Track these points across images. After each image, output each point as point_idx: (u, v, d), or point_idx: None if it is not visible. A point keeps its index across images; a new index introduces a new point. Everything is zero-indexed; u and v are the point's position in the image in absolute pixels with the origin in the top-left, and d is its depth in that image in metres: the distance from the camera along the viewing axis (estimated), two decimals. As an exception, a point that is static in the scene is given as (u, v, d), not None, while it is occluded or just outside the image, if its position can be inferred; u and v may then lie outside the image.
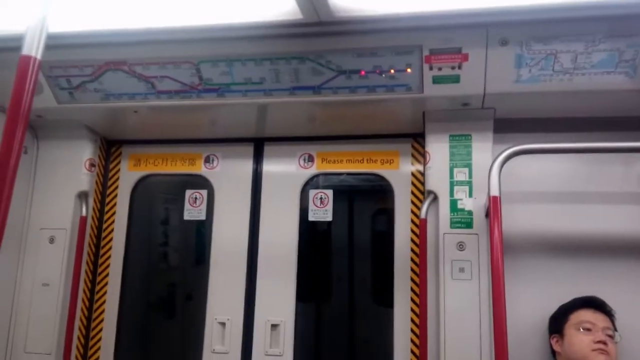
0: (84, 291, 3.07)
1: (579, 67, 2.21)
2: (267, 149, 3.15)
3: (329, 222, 3.10)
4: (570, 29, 2.11)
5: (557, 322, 2.35)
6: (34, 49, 1.39)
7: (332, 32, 2.25)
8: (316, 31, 2.25)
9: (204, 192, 3.16)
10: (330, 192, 3.02)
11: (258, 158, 3.14)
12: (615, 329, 2.25)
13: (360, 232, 3.22)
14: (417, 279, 2.74)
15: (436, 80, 2.37)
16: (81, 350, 3.04)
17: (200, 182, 3.19)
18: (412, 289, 2.78)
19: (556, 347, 2.33)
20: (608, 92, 2.30)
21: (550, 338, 2.38)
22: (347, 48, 2.32)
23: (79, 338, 3.02)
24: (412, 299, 2.77)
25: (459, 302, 2.50)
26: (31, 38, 1.39)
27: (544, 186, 2.63)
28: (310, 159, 3.07)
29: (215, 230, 3.09)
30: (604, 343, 2.16)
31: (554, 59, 2.20)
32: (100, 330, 3.09)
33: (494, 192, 2.11)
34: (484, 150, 2.59)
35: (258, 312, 2.94)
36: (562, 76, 2.25)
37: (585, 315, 2.26)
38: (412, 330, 2.74)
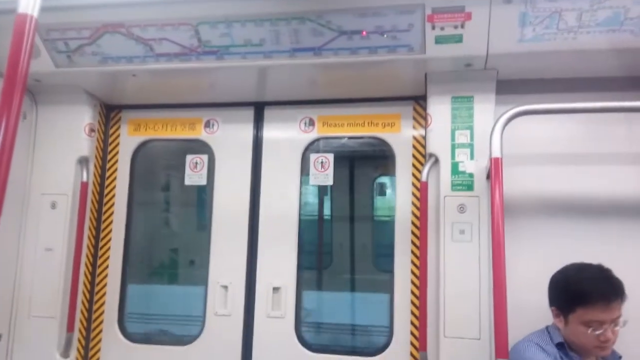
0: (87, 256, 3.09)
1: (583, 25, 2.17)
2: (268, 113, 3.12)
3: (330, 186, 3.10)
4: (575, -15, 2.07)
5: (561, 304, 2.15)
6: (30, 6, 1.36)
7: (333, -10, 2.22)
8: (317, -10, 2.22)
9: (205, 157, 3.15)
10: (331, 156, 3.01)
11: (258, 122, 3.12)
12: None
13: (361, 196, 3.22)
14: (417, 242, 2.75)
15: (438, 40, 2.33)
16: (85, 314, 3.08)
17: (201, 147, 3.17)
18: (412, 252, 2.79)
19: (556, 322, 2.18)
20: (613, 50, 2.26)
21: (550, 306, 2.22)
22: (348, 7, 2.27)
23: (82, 302, 3.06)
24: (412, 262, 2.78)
25: (458, 263, 2.51)
26: (27, -4, 1.36)
27: (546, 148, 2.62)
28: (311, 122, 3.05)
29: (216, 195, 3.09)
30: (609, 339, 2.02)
31: (558, 17, 2.16)
32: (104, 294, 3.12)
33: (496, 153, 2.10)
34: (486, 112, 2.57)
35: (260, 276, 2.96)
36: (566, 35, 2.22)
37: (595, 314, 2.00)
38: (412, 292, 2.76)
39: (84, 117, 3.06)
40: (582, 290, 2.05)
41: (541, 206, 2.58)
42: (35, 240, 2.97)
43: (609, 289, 2.03)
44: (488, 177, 2.44)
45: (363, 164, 3.28)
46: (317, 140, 3.06)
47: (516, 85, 2.59)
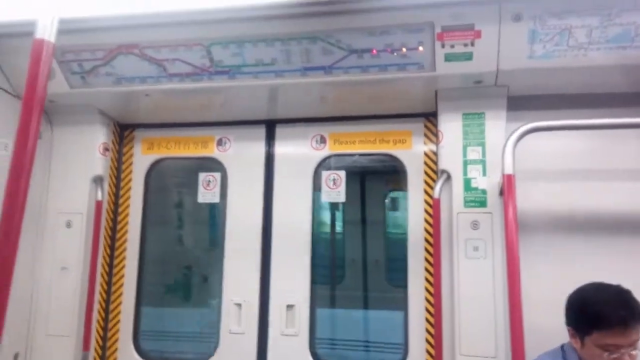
0: (102, 274, 3.12)
1: (594, 42, 2.17)
2: (279, 130, 3.15)
3: (342, 203, 3.11)
4: (585, 3, 2.07)
5: (578, 325, 2.06)
6: (47, 32, 1.40)
7: (343, 10, 2.24)
8: (327, 10, 2.24)
9: (218, 175, 3.18)
10: (342, 173, 3.02)
11: (270, 140, 3.15)
12: None
13: (373, 213, 3.22)
14: (430, 259, 2.74)
15: (448, 57, 2.35)
16: (101, 332, 3.09)
17: (214, 165, 3.20)
18: (426, 269, 2.78)
19: (572, 342, 2.10)
20: (623, 67, 2.26)
21: (566, 326, 2.14)
22: (358, 27, 2.30)
23: (98, 320, 3.08)
24: (426, 279, 2.77)
25: (473, 280, 2.50)
26: (44, 21, 1.40)
27: (558, 164, 2.60)
28: (323, 140, 3.07)
29: (229, 213, 3.10)
30: None
31: (568, 34, 2.16)
32: (119, 312, 3.14)
33: (508, 170, 2.09)
34: (497, 128, 2.57)
35: (273, 293, 2.96)
36: (576, 51, 2.22)
37: (612, 339, 1.93)
38: (426, 310, 2.75)
39: (98, 136, 3.10)
40: (599, 314, 1.97)
41: (555, 222, 2.56)
42: (51, 259, 3.00)
43: (628, 314, 1.93)
44: (501, 193, 2.43)
45: (375, 180, 3.28)
46: (329, 157, 3.08)
47: (527, 101, 2.59)
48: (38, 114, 1.39)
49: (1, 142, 2.71)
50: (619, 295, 2.02)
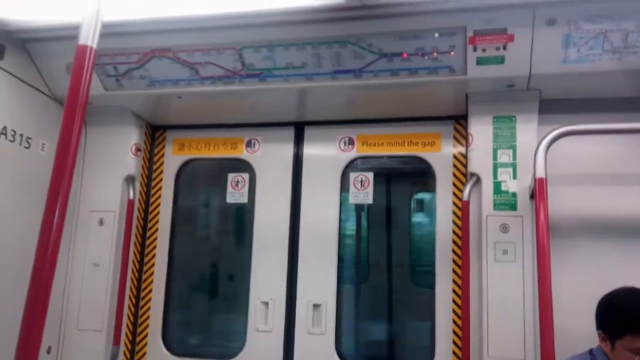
0: (133, 271, 3.18)
1: (629, 45, 2.15)
2: (308, 132, 3.17)
3: (369, 205, 3.12)
4: (621, 6, 2.05)
5: (609, 329, 2.07)
6: (90, 38, 1.42)
7: (375, 15, 2.25)
8: (358, 15, 2.25)
9: (246, 176, 3.21)
10: (370, 175, 3.03)
11: (299, 142, 3.17)
12: None
13: (401, 214, 3.23)
14: (459, 261, 2.74)
15: (480, 61, 2.34)
16: (131, 327, 3.16)
17: (242, 166, 3.24)
18: (454, 271, 2.78)
19: (602, 345, 2.10)
20: (660, 70, 2.23)
21: (597, 329, 2.15)
22: (389, 31, 2.31)
23: (128, 316, 3.14)
24: (454, 281, 2.78)
25: (502, 283, 2.49)
26: (87, 28, 1.43)
27: (589, 167, 2.58)
28: (351, 142, 3.09)
29: (257, 213, 3.14)
30: None
31: (603, 38, 2.14)
32: (149, 308, 3.20)
33: (540, 174, 2.08)
34: (528, 132, 2.56)
35: (300, 293, 2.99)
36: (611, 55, 2.20)
37: None
38: (454, 312, 2.75)
39: (131, 137, 3.16)
40: (631, 317, 1.99)
41: (585, 226, 2.54)
42: (83, 256, 3.07)
43: None
44: (531, 196, 2.42)
45: (402, 182, 3.29)
46: (357, 159, 3.09)
47: (560, 104, 2.57)
48: (80, 119, 1.42)
49: (39, 143, 2.78)
50: None
